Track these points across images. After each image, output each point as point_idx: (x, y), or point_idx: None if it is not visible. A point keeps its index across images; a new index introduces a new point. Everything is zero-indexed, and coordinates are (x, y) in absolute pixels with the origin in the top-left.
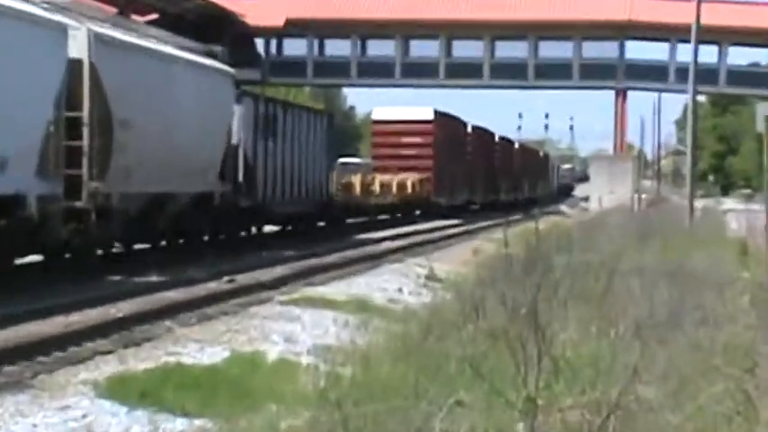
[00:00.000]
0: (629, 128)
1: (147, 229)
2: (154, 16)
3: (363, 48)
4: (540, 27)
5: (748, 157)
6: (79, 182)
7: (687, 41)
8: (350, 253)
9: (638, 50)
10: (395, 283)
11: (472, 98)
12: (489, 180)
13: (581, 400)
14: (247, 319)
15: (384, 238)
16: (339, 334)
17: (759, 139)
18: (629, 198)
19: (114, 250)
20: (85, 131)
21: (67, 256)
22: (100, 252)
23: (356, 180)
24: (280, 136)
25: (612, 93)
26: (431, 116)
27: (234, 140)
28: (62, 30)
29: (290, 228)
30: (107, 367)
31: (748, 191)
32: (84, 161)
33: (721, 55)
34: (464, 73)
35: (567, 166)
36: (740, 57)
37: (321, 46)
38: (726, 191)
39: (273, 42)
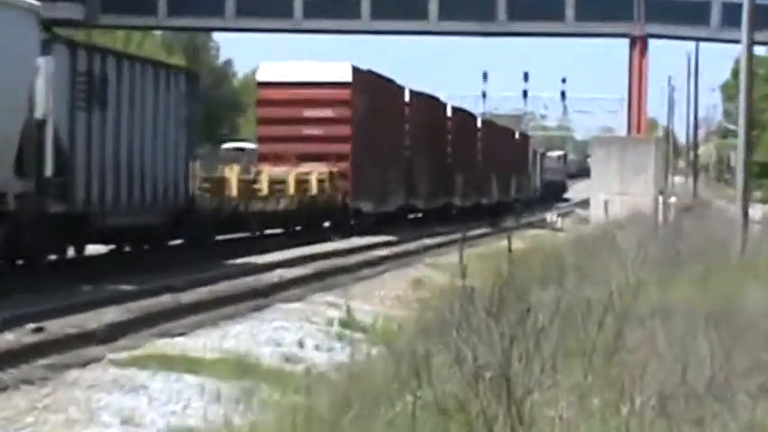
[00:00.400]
0: (651, 96)
1: None
2: None
3: None
4: None
5: None
6: None
7: None
8: (223, 287)
9: None
10: (293, 333)
11: (411, 50)
12: (438, 175)
13: None
14: (64, 390)
15: (276, 264)
16: (207, 411)
17: None
18: (651, 202)
19: None
20: None
21: None
22: None
23: (231, 175)
24: (112, 106)
25: (626, 42)
26: (348, 76)
27: (38, 113)
28: None
29: (128, 248)
30: None
31: None
32: None
33: None
34: (399, 12)
35: (556, 153)
36: None
37: None
38: None
39: None
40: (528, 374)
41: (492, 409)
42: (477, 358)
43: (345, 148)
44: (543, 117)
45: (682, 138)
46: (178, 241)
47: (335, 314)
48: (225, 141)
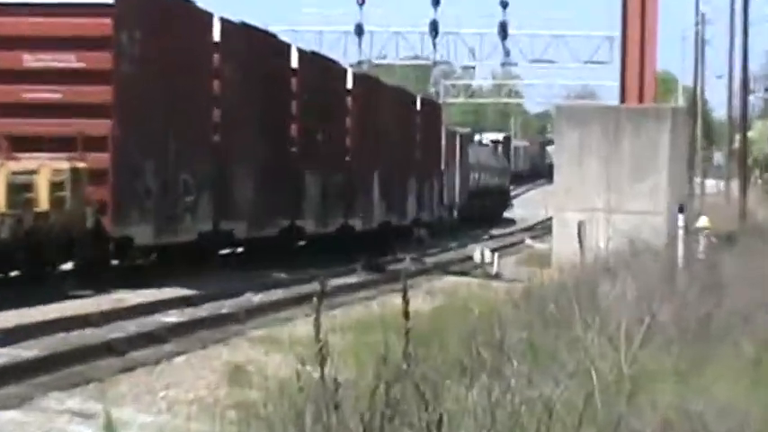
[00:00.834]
0: (665, 36)
1: None
2: None
3: None
4: None
5: None
6: None
7: None
8: None
9: None
10: None
11: None
12: (271, 179)
13: None
14: None
15: None
16: None
17: None
18: (664, 227)
19: None
20: None
21: None
22: None
23: None
24: None
25: None
26: None
27: None
28: None
29: None
30: None
31: None
32: None
33: None
34: None
35: (490, 137)
36: None
37: None
38: None
39: None
40: None
41: None
42: None
43: (102, 126)
44: (468, 71)
45: (719, 109)
46: None
47: None
48: None
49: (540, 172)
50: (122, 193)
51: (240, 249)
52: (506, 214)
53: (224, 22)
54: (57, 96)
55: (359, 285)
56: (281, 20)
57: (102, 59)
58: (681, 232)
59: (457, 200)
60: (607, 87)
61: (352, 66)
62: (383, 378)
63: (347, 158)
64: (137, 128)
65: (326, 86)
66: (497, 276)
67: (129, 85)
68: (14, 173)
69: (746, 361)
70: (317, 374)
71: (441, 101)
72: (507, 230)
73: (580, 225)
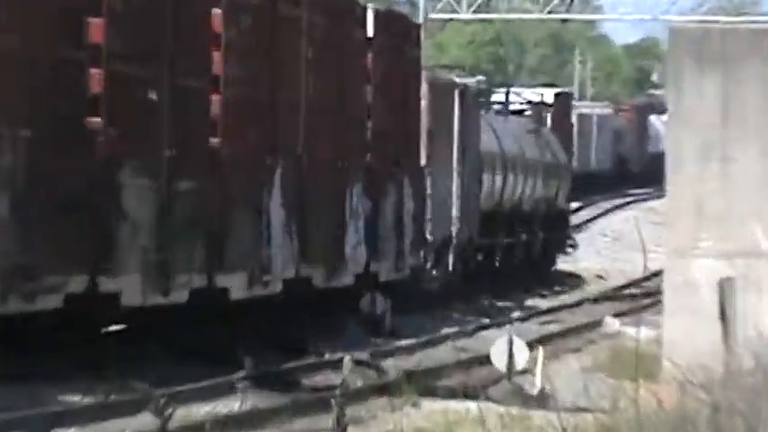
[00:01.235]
0: None
1: None
2: None
3: None
4: None
5: None
6: None
7: None
8: None
9: None
10: None
11: None
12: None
13: None
14: None
15: None
16: None
17: None
18: None
19: None
20: None
21: None
22: None
23: None
24: None
25: None
26: None
27: None
28: None
29: None
30: None
31: None
32: None
33: None
34: None
35: (527, 95)
36: None
37: None
38: None
39: None
40: None
41: None
42: None
43: None
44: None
45: None
46: None
47: None
48: None
49: (634, 170)
50: None
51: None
52: (563, 264)
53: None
54: None
55: (238, 422)
56: None
57: None
58: None
59: (454, 232)
60: None
61: None
62: None
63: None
64: None
65: None
66: (543, 400)
67: None
68: None
69: None
70: None
71: (422, 19)
72: (565, 299)
73: (724, 286)
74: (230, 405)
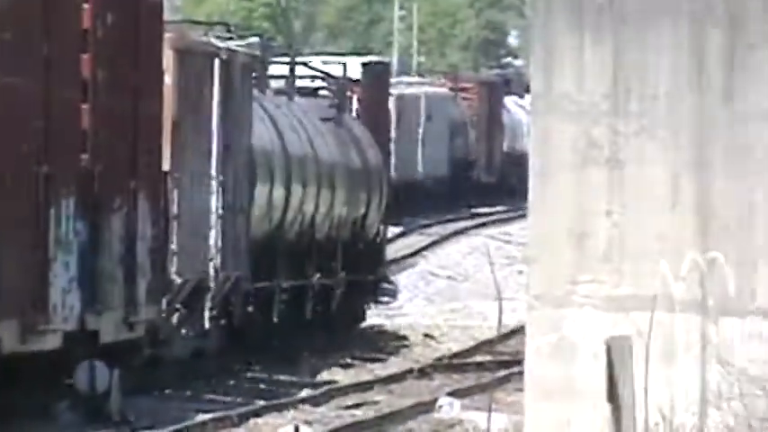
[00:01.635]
0: None
1: None
2: None
3: None
4: None
5: None
6: None
7: None
8: None
9: None
10: None
11: None
12: None
13: None
14: None
15: None
16: None
17: None
18: None
19: None
20: None
21: None
22: None
23: None
24: None
25: None
26: None
27: None
28: None
29: None
30: None
31: None
32: None
33: None
34: None
35: (323, 69)
36: None
37: None
38: None
39: None
40: None
41: None
42: None
43: None
44: None
45: None
46: None
47: None
48: None
49: (481, 179)
50: None
51: None
52: (376, 318)
53: None
54: None
55: None
56: None
57: None
58: None
59: (213, 270)
60: None
61: None
62: None
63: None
64: None
65: None
66: None
67: None
68: None
69: None
70: None
71: None
72: (378, 370)
73: (615, 350)
74: None
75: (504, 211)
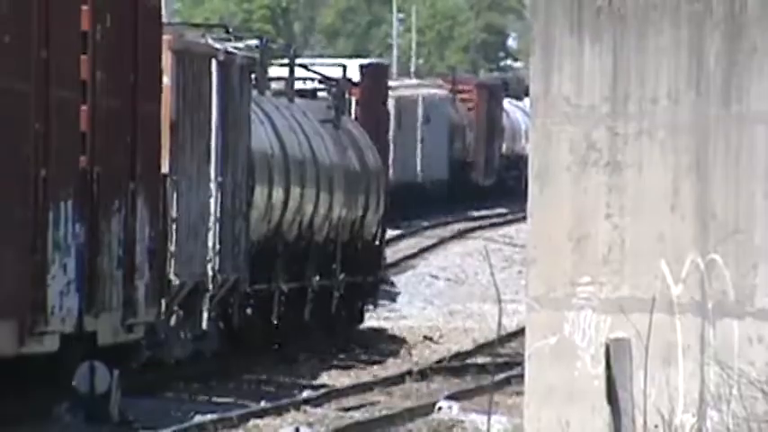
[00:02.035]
0: None
1: None
2: None
3: None
4: None
5: None
6: None
7: None
8: None
9: None
10: None
11: None
12: None
13: None
14: None
15: None
16: None
17: None
18: None
19: None
20: None
21: None
22: None
23: None
24: None
25: None
26: None
27: None
28: None
29: None
30: None
31: None
32: None
33: None
34: None
35: (321, 70)
36: None
37: None
38: None
39: None
40: None
41: None
42: None
43: None
44: None
45: None
46: None
47: None
48: None
49: (480, 182)
50: None
51: None
52: (374, 320)
53: None
54: None
55: None
56: None
57: None
58: None
59: (212, 272)
60: None
61: None
62: None
63: None
64: None
65: None
66: None
67: None
68: None
69: None
70: None
71: None
72: (378, 372)
73: (615, 352)
74: None
75: (503, 214)
